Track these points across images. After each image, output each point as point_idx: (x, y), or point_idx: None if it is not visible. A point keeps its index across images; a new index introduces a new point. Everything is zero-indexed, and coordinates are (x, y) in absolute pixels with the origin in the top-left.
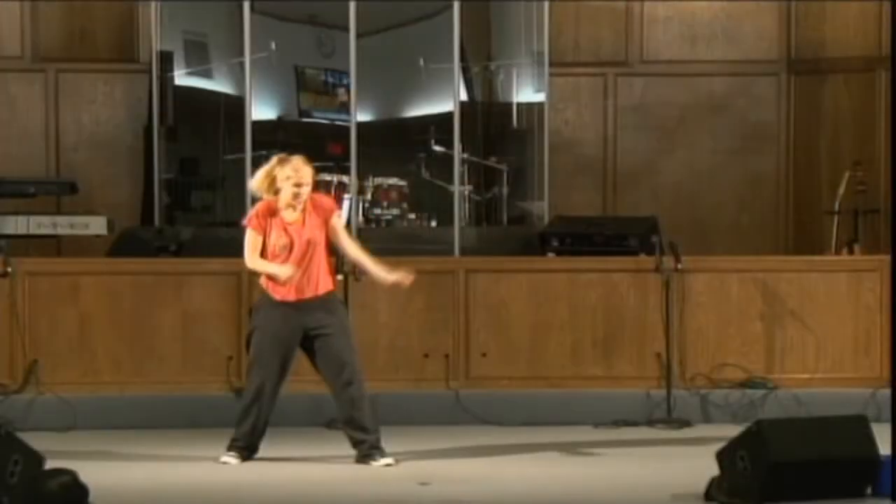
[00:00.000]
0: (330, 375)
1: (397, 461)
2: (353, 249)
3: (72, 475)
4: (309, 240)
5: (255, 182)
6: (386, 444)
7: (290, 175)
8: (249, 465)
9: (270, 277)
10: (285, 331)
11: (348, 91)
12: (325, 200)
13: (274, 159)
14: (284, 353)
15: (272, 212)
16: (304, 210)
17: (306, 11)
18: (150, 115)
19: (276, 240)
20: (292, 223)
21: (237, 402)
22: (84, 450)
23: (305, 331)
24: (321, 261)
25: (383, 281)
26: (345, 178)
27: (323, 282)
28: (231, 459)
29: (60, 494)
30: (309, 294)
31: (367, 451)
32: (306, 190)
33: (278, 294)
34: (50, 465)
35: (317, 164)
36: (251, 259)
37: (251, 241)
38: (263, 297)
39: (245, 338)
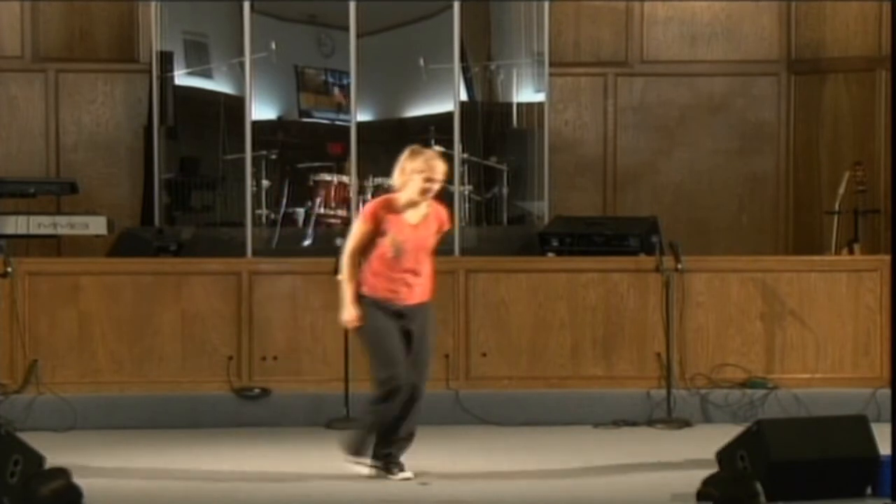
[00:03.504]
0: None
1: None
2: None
3: (65, 478)
4: (423, 245)
5: (395, 175)
6: None
7: (422, 168)
8: (249, 465)
9: (373, 275)
10: (394, 324)
11: (348, 91)
12: (444, 212)
13: (408, 150)
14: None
15: (393, 207)
16: (425, 214)
17: (306, 11)
18: (150, 115)
19: (391, 237)
20: (411, 224)
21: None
22: (84, 450)
23: (406, 335)
24: (428, 268)
25: None
26: (345, 178)
27: (427, 290)
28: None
29: (52, 500)
30: (412, 300)
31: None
32: (436, 187)
33: (381, 293)
34: (50, 465)
35: (317, 164)
36: (350, 254)
37: (358, 233)
38: (361, 297)
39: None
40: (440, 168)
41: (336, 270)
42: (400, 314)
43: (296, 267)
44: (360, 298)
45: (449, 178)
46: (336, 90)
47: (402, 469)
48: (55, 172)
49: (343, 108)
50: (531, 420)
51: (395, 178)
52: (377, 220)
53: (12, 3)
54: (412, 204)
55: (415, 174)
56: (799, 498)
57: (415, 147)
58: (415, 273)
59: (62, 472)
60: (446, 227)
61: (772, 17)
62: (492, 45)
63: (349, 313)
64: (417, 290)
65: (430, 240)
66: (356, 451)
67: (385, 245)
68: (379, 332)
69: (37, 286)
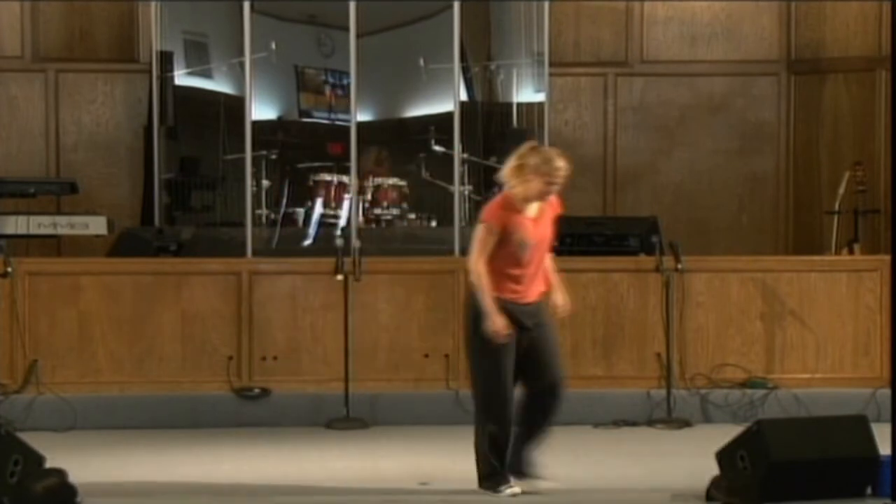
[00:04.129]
0: (531, 377)
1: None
2: (548, 258)
3: (60, 476)
4: (545, 237)
5: (506, 170)
6: (386, 444)
7: (543, 170)
8: (249, 465)
9: (497, 277)
10: (512, 332)
11: (338, 90)
12: (555, 198)
13: (526, 146)
14: (513, 354)
15: (513, 206)
16: (540, 206)
17: (306, 11)
18: (150, 115)
19: (516, 236)
20: (531, 218)
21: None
22: (84, 450)
23: (521, 331)
24: (545, 261)
25: (554, 300)
26: (345, 178)
27: (544, 283)
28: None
29: (45, 498)
30: (534, 296)
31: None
32: (556, 189)
33: (507, 294)
34: (50, 465)
35: (317, 164)
36: (478, 261)
37: (484, 240)
38: (477, 301)
39: (468, 343)
40: (562, 168)
41: (336, 270)
42: (524, 313)
43: (296, 267)
44: (480, 301)
45: (567, 176)
46: (327, 89)
47: (540, 473)
48: (55, 172)
49: (333, 107)
50: None
51: (510, 174)
52: (502, 224)
53: (12, 3)
54: (529, 200)
55: (534, 175)
56: (799, 498)
57: (533, 143)
58: (538, 268)
59: (57, 472)
60: (559, 210)
61: (772, 17)
62: (492, 45)
63: (497, 323)
64: (540, 285)
65: (550, 231)
66: (494, 483)
67: (511, 245)
68: (499, 362)
69: (37, 286)
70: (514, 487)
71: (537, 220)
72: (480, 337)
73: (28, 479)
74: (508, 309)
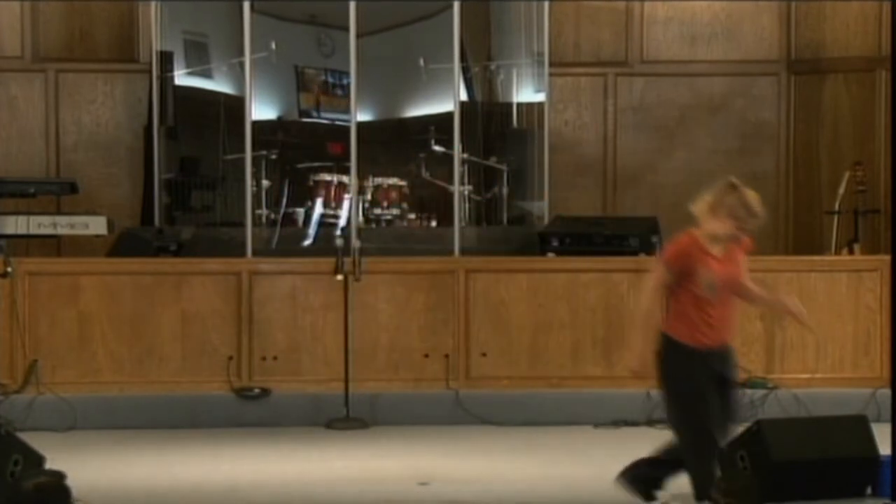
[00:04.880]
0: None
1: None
2: (754, 286)
3: (54, 477)
4: (734, 278)
5: (700, 205)
6: (386, 444)
7: (739, 212)
8: (249, 465)
9: (684, 320)
10: (707, 378)
11: (348, 91)
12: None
13: (724, 184)
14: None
15: (698, 245)
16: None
17: (306, 11)
18: (150, 115)
19: (703, 277)
20: (719, 257)
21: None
22: (84, 450)
23: (718, 379)
24: (736, 303)
25: (785, 308)
26: (345, 178)
27: (735, 327)
28: None
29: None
30: (727, 339)
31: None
32: (747, 233)
33: (696, 340)
34: (50, 465)
35: (317, 164)
36: (650, 299)
37: (660, 279)
38: (670, 344)
39: (668, 395)
40: (759, 217)
41: (336, 270)
42: (714, 358)
43: (296, 267)
44: (670, 346)
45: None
46: (315, 88)
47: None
48: (55, 172)
49: (321, 106)
50: (531, 420)
51: (702, 211)
52: (682, 262)
53: (12, 3)
54: (717, 241)
55: (729, 217)
56: (799, 498)
57: (733, 181)
58: (728, 310)
59: (54, 473)
60: (750, 248)
61: (772, 17)
62: (492, 45)
63: (640, 362)
64: (730, 328)
65: (740, 270)
66: (706, 494)
67: (697, 286)
68: (699, 399)
69: (37, 286)
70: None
71: (725, 260)
72: (674, 381)
73: (21, 479)
74: (698, 356)
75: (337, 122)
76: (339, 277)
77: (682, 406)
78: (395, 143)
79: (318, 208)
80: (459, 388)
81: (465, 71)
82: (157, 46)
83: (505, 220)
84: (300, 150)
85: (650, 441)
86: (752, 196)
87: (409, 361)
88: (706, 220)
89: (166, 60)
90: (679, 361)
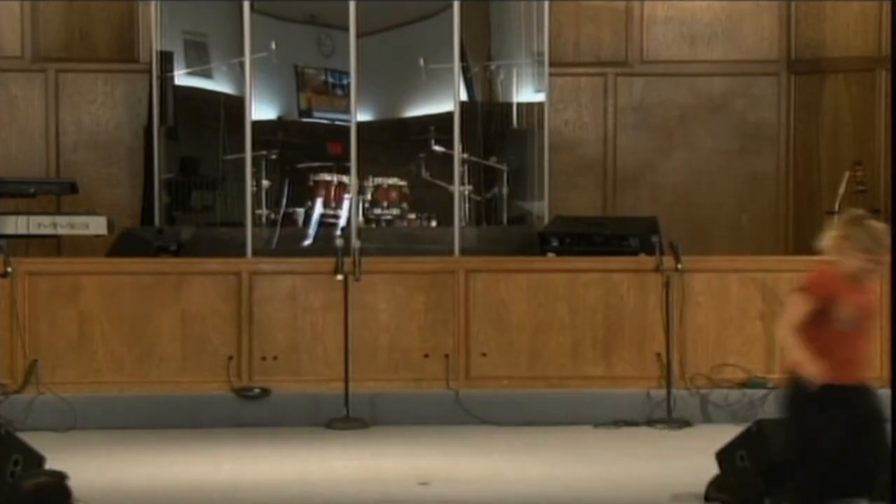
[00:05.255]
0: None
1: None
2: None
3: (56, 477)
4: (870, 309)
5: (828, 241)
6: (386, 444)
7: (867, 247)
8: (249, 465)
9: (822, 357)
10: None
11: (348, 91)
12: None
13: (850, 216)
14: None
15: (834, 278)
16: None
17: (306, 11)
18: (150, 115)
19: (842, 312)
20: (857, 291)
21: None
22: (84, 450)
23: (848, 413)
24: (870, 336)
25: None
26: (345, 178)
27: (870, 361)
28: None
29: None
30: (865, 376)
31: None
32: (879, 269)
33: (834, 377)
34: (50, 465)
35: (317, 164)
36: (788, 329)
37: (798, 309)
38: (802, 384)
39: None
40: (888, 246)
41: (336, 270)
42: (855, 396)
43: (296, 267)
44: (809, 389)
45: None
46: (308, 87)
47: None
48: (55, 172)
49: (312, 105)
50: (531, 420)
51: (831, 246)
52: (820, 298)
53: (12, 3)
54: (851, 277)
55: (860, 253)
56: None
57: (857, 214)
58: (864, 344)
59: (55, 473)
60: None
61: (772, 17)
62: (492, 45)
63: (816, 374)
64: (867, 363)
65: (872, 299)
66: None
67: (836, 321)
68: (840, 451)
69: (37, 286)
70: None
71: (859, 291)
72: (815, 429)
73: (21, 479)
74: (838, 397)
75: (337, 122)
76: (339, 277)
77: (819, 470)
78: (395, 143)
79: (318, 208)
80: (459, 388)
81: (465, 71)
82: (157, 46)
83: (505, 220)
84: (300, 150)
85: (650, 441)
86: (881, 227)
87: (409, 361)
88: (835, 256)
89: (166, 60)
90: (799, 402)
